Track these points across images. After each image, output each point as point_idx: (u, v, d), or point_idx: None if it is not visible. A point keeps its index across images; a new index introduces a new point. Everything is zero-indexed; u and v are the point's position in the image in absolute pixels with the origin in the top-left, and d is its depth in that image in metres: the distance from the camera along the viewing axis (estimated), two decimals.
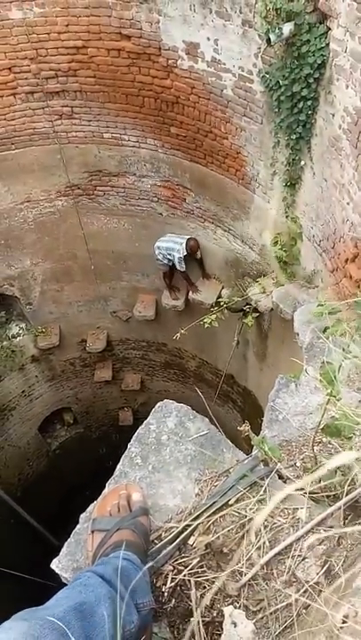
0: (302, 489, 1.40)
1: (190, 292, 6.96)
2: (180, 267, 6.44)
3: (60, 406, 9.58)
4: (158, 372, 9.47)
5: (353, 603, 0.80)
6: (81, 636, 0.92)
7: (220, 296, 6.52)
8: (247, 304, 5.72)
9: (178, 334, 5.70)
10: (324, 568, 1.26)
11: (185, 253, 6.26)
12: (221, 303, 5.94)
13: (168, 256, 6.40)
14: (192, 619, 1.26)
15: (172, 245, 6.32)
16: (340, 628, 0.77)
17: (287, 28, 3.64)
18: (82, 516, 1.53)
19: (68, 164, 6.14)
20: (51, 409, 9.41)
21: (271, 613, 1.23)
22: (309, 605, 1.15)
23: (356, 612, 0.77)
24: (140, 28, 4.75)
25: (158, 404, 1.75)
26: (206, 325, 5.76)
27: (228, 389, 8.14)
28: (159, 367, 9.31)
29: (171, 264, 6.59)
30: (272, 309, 5.25)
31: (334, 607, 0.84)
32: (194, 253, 6.32)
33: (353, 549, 1.31)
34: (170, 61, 4.88)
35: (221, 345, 7.31)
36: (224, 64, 4.52)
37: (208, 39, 4.47)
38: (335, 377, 1.16)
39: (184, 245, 6.23)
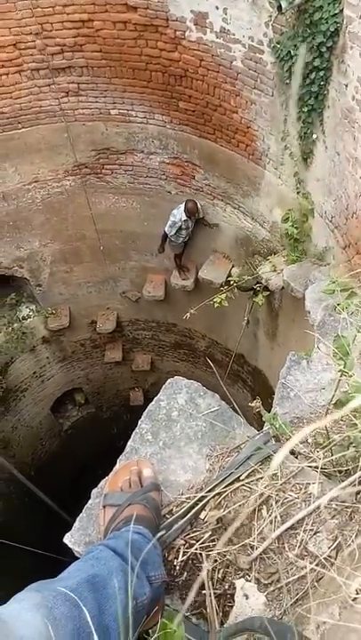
0: (316, 465, 1.39)
1: (180, 272, 7.10)
2: (168, 230, 6.37)
3: (71, 387, 9.66)
4: (168, 353, 9.49)
5: None
6: (93, 607, 0.92)
7: (229, 275, 6.45)
8: (257, 283, 5.66)
9: (187, 314, 5.66)
10: (337, 542, 1.25)
11: (184, 218, 6.20)
12: (231, 282, 5.89)
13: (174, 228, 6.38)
14: (202, 590, 1.27)
15: (173, 212, 6.27)
16: (355, 598, 0.77)
17: None
18: (93, 491, 1.54)
19: (75, 142, 6.05)
20: (62, 389, 9.50)
21: (283, 586, 1.23)
22: (321, 578, 1.15)
23: None
24: None
25: (169, 380, 1.74)
26: (216, 305, 5.72)
27: (238, 369, 8.14)
28: (169, 347, 9.32)
29: (180, 240, 6.54)
30: (283, 288, 5.19)
31: (348, 579, 0.83)
32: (193, 215, 6.22)
33: None
34: (177, 33, 4.74)
35: (231, 324, 7.28)
36: (233, 34, 4.38)
37: (217, 8, 4.33)
38: (349, 349, 1.14)
39: (182, 209, 6.17)
